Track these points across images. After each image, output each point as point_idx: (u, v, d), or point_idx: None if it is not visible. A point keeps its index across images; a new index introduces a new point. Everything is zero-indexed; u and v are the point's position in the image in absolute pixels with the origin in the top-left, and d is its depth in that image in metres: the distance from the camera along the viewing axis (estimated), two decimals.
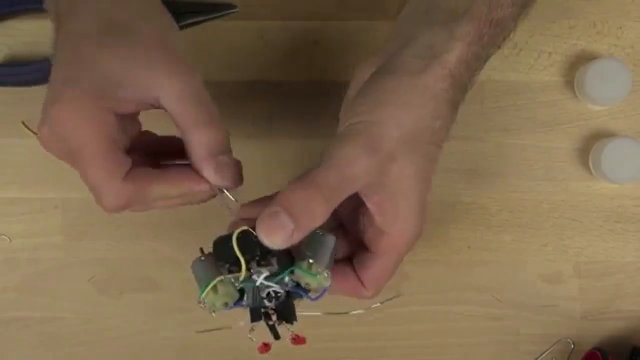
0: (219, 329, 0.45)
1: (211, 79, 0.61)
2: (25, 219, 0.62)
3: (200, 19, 0.60)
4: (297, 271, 0.41)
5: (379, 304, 0.47)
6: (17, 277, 0.62)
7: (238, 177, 0.44)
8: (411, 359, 0.62)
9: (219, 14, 0.61)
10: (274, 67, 0.62)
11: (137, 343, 0.62)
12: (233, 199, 0.43)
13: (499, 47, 0.46)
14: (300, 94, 0.62)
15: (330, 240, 0.43)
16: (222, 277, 0.40)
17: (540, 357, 0.62)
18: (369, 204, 0.43)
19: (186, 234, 0.61)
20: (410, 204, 0.43)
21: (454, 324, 0.62)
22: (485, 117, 0.61)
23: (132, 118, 0.43)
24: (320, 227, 0.42)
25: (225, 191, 0.43)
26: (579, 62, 0.61)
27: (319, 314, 0.45)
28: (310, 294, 0.42)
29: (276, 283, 0.41)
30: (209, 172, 0.42)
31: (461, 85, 0.44)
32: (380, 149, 0.41)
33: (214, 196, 0.44)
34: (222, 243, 0.40)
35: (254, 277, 0.41)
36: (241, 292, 0.42)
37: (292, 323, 0.42)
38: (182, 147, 0.43)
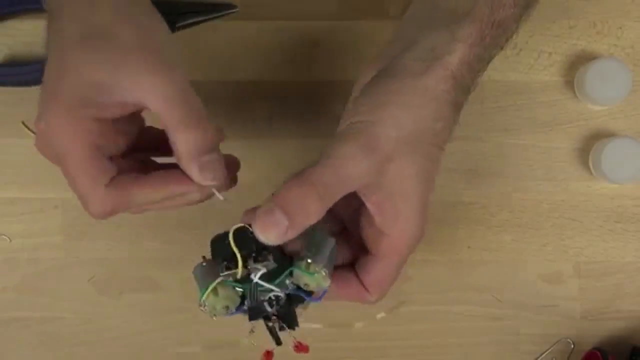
0: None
1: (211, 79, 0.61)
2: (25, 219, 0.62)
3: (200, 19, 0.60)
4: (296, 271, 0.41)
5: (383, 314, 0.47)
6: (17, 277, 0.62)
7: (225, 176, 0.44)
8: (411, 359, 0.62)
9: (219, 14, 0.61)
10: (274, 67, 0.62)
11: (137, 343, 0.62)
12: (222, 198, 0.44)
13: (501, 48, 0.46)
14: (300, 94, 0.62)
15: (329, 242, 0.43)
16: (222, 277, 0.41)
17: (540, 357, 0.62)
18: (368, 204, 0.43)
19: (186, 234, 0.61)
20: (412, 204, 0.43)
21: (454, 324, 0.62)
22: (485, 117, 0.61)
23: (127, 119, 0.43)
24: (322, 231, 0.43)
25: (215, 191, 0.43)
26: (579, 62, 0.61)
27: (319, 326, 0.45)
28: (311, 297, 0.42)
29: (276, 286, 0.41)
30: (193, 172, 0.42)
31: (463, 87, 0.44)
32: (377, 148, 0.41)
33: (210, 197, 0.44)
34: (219, 240, 0.41)
35: (252, 276, 0.41)
36: (243, 298, 0.42)
37: (293, 328, 0.42)
38: None
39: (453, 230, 0.62)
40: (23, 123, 0.44)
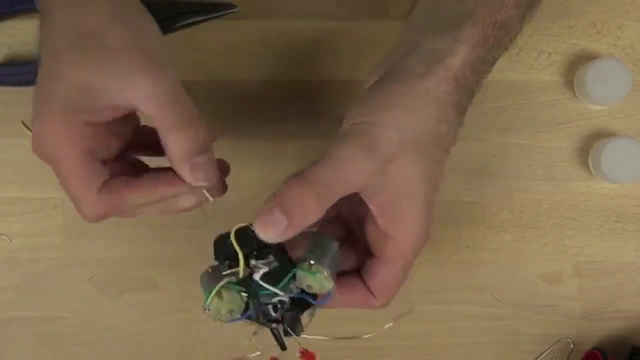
0: None
1: (211, 79, 0.61)
2: (25, 219, 0.62)
3: (200, 19, 0.60)
4: (299, 273, 0.41)
5: (391, 324, 0.47)
6: (17, 277, 0.62)
7: (217, 177, 0.44)
8: (411, 359, 0.62)
9: (219, 14, 0.61)
10: (274, 67, 0.62)
11: (137, 343, 0.62)
12: (212, 200, 0.44)
13: (506, 49, 0.46)
14: (300, 94, 0.62)
15: (332, 245, 0.43)
16: (226, 279, 0.41)
17: (540, 357, 0.62)
18: (371, 207, 0.43)
19: (186, 234, 0.61)
20: (416, 205, 0.43)
21: (454, 324, 0.62)
22: (485, 117, 0.61)
23: (122, 121, 0.43)
24: (327, 236, 0.43)
25: (205, 192, 0.44)
26: (579, 62, 0.61)
27: (325, 338, 0.45)
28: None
29: (280, 290, 0.41)
30: (185, 173, 0.42)
31: (467, 89, 0.44)
32: (378, 150, 0.41)
33: (202, 203, 0.44)
34: (221, 240, 0.42)
35: (255, 275, 0.41)
36: (248, 305, 0.42)
37: (298, 334, 0.43)
38: None
39: (453, 230, 0.62)
40: (23, 123, 0.44)
